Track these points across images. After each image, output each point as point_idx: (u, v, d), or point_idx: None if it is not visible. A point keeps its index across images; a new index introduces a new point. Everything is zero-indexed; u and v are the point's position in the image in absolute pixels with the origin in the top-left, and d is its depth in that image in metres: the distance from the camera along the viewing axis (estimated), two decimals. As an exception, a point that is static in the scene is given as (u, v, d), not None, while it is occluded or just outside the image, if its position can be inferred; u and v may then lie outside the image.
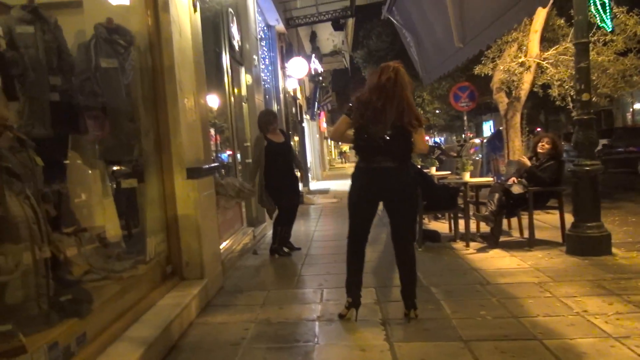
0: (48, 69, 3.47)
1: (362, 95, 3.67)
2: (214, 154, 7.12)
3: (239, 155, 7.75)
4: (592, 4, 5.32)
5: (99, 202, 4.15)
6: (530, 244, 5.73)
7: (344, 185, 18.51)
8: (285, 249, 6.25)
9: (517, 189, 5.75)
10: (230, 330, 3.68)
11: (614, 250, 5.25)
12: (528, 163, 5.99)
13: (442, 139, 49.67)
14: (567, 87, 8.66)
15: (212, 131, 7.00)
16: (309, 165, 18.33)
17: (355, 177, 3.78)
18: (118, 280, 3.50)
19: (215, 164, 5.51)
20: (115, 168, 4.24)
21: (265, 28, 11.45)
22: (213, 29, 6.95)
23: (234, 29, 7.60)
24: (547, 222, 7.07)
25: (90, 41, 3.83)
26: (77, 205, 3.85)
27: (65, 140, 3.76)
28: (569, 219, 5.56)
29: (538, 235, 6.01)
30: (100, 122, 4.03)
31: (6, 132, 2.66)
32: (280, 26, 12.08)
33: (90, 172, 4.11)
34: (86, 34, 3.86)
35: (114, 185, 4.23)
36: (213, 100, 7.21)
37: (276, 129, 6.14)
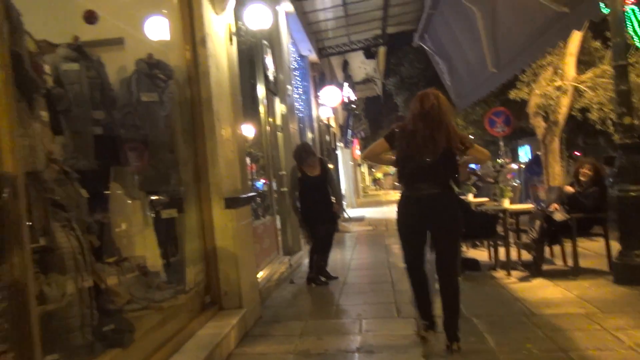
0: (92, 104, 3.61)
1: (406, 124, 3.69)
2: (250, 183, 7.20)
3: (274, 184, 7.81)
4: (629, 26, 5.21)
5: (140, 231, 4.23)
6: (575, 272, 5.53)
7: (379, 212, 18.48)
8: (323, 278, 6.20)
9: (559, 216, 5.60)
10: (269, 362, 3.65)
11: (665, 278, 5.02)
12: (571, 190, 5.82)
13: (478, 165, 49.02)
14: (606, 110, 8.46)
15: (248, 160, 7.09)
16: (343, 192, 18.30)
17: (401, 205, 3.77)
18: (158, 310, 3.53)
19: (253, 194, 5.56)
20: (154, 198, 4.32)
21: (298, 58, 11.63)
22: (248, 60, 7.10)
23: (269, 60, 7.75)
24: (591, 249, 6.83)
25: (132, 76, 3.97)
26: (118, 235, 3.93)
27: (107, 171, 3.88)
28: (615, 246, 5.35)
29: (583, 263, 5.81)
30: (139, 153, 4.13)
31: (52, 165, 2.75)
32: (313, 56, 12.26)
33: (130, 202, 4.20)
34: (127, 69, 4.00)
35: (154, 215, 4.31)
36: (249, 130, 7.32)
37: (311, 163, 6.17)
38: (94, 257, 2.88)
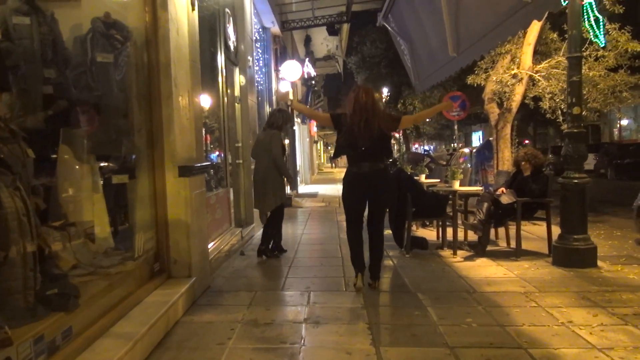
0: (42, 61, 3.45)
1: (351, 116, 4.56)
2: (205, 154, 7.10)
3: (229, 157, 7.74)
4: (586, 19, 5.38)
5: (88, 197, 4.12)
6: (517, 254, 5.78)
7: (333, 189, 18.66)
8: (275, 252, 6.24)
9: (506, 199, 5.81)
10: (217, 330, 3.67)
11: (599, 263, 5.31)
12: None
13: (432, 147, 49.93)
14: (557, 100, 8.76)
15: (203, 131, 6.98)
16: (298, 168, 18.33)
17: (348, 178, 4.72)
18: (105, 276, 3.48)
19: (207, 163, 5.49)
20: (105, 164, 4.22)
21: (260, 30, 11.46)
22: (209, 28, 6.95)
23: (230, 29, 7.60)
24: (534, 233, 7.13)
25: (87, 35, 3.81)
26: (65, 199, 3.82)
27: (56, 133, 3.74)
28: (556, 230, 5.61)
29: (525, 245, 6.07)
30: (90, 116, 4.00)
31: (-2, 123, 2.64)
32: (275, 28, 12.11)
33: (80, 166, 4.08)
34: (83, 27, 3.84)
35: (104, 181, 4.21)
36: (206, 100, 7.19)
37: (287, 131, 6.23)
38: (40, 221, 2.80)
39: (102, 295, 3.31)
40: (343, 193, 4.81)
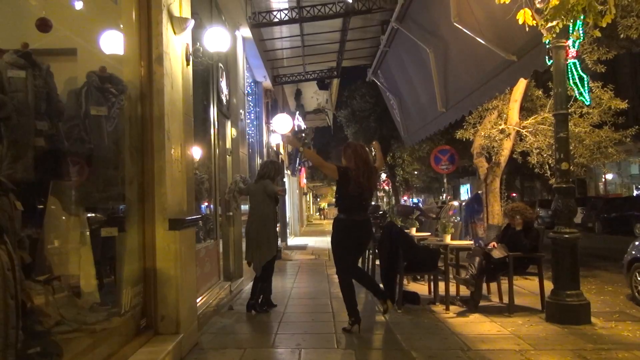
0: (36, 113, 3.46)
1: (355, 170, 5.03)
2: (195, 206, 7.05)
3: (219, 208, 7.68)
4: (570, 78, 5.54)
5: (75, 249, 4.04)
6: (510, 309, 5.70)
7: (322, 242, 18.47)
8: (265, 307, 6.11)
9: (497, 253, 5.79)
10: (204, 391, 3.53)
11: (593, 319, 5.25)
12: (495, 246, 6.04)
13: (421, 200, 50.15)
14: (545, 155, 8.90)
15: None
16: (287, 220, 18.24)
17: (342, 226, 5.12)
18: (90, 333, 3.37)
19: (198, 216, 5.44)
20: (93, 215, 4.16)
21: (252, 84, 11.66)
22: (203, 82, 7.05)
23: (223, 83, 7.72)
24: (526, 288, 7.07)
25: (82, 88, 3.84)
26: (51, 251, 3.74)
27: (46, 185, 3.70)
28: (548, 285, 5.57)
29: (517, 301, 6.00)
30: (80, 167, 3.98)
31: (-14, 175, 2.61)
32: (267, 82, 12.34)
33: (67, 218, 4.02)
34: (78, 81, 3.87)
35: (91, 233, 4.14)
36: (197, 152, 7.20)
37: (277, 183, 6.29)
38: (24, 274, 2.72)
39: (86, 354, 3.19)
40: (339, 240, 5.13)
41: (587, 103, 7.16)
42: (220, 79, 7.55)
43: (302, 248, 15.74)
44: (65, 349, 2.92)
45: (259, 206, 6.05)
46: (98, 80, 3.91)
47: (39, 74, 3.52)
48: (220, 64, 7.57)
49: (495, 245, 5.97)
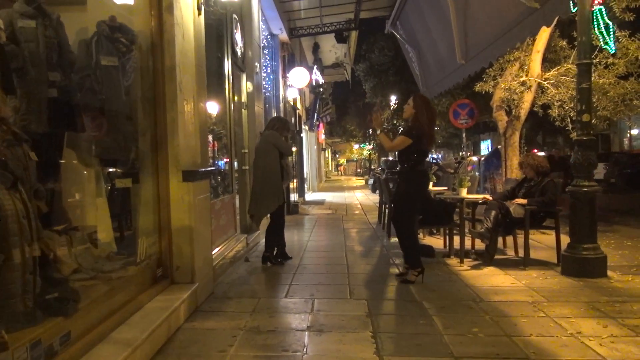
0: (47, 64, 3.44)
1: (428, 125, 5.13)
2: (211, 160, 7.08)
3: (235, 163, 7.71)
4: (595, 26, 5.32)
5: (92, 201, 4.11)
6: (525, 263, 5.69)
7: (340, 197, 18.58)
8: (279, 259, 6.19)
9: (518, 211, 5.74)
10: (218, 337, 3.62)
11: (609, 273, 5.21)
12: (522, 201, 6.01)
13: (440, 155, 49.75)
14: (567, 108, 8.66)
15: (210, 137, 6.96)
16: (305, 176, 18.30)
17: (422, 180, 5.31)
18: (107, 281, 3.45)
19: (212, 168, 5.46)
20: (110, 169, 4.20)
21: (268, 36, 11.48)
22: (216, 34, 6.95)
23: (238, 35, 7.61)
24: (543, 242, 7.04)
25: (92, 38, 3.81)
26: (70, 203, 3.80)
27: (61, 137, 3.72)
28: (565, 239, 5.52)
29: (533, 254, 5.99)
30: (98, 122, 3.99)
31: (1, 126, 2.62)
32: (283, 35, 12.12)
33: (85, 171, 4.07)
34: (88, 31, 3.83)
35: (108, 186, 4.19)
36: (212, 106, 7.18)
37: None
38: (43, 225, 2.78)
39: (102, 300, 3.27)
40: (413, 192, 5.16)
41: (612, 52, 6.88)
42: (235, 31, 7.43)
43: (320, 203, 15.84)
44: (82, 295, 2.99)
45: (261, 158, 5.98)
46: (108, 30, 3.87)
47: (50, 23, 3.48)
48: (235, 15, 7.44)
49: (520, 201, 5.91)
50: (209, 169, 5.02)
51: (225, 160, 7.94)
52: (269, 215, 6.10)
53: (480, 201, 6.51)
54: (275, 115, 10.82)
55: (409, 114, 5.23)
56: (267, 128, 6.26)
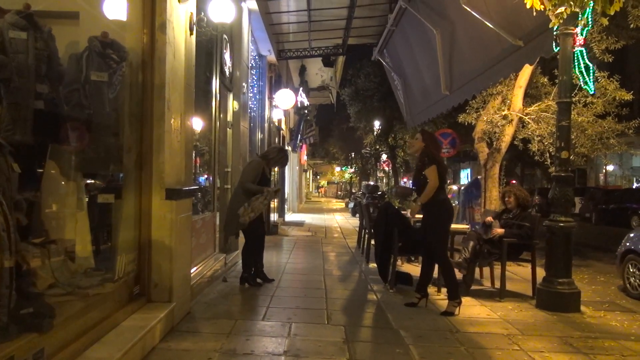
0: (36, 76, 3.43)
1: (437, 157, 5.27)
2: (194, 177, 7.06)
3: (217, 181, 7.70)
4: (576, 66, 5.49)
5: (72, 214, 4.06)
6: (501, 294, 5.75)
7: (319, 219, 18.53)
8: (258, 280, 6.16)
9: (496, 229, 5.88)
10: (193, 359, 3.58)
11: (582, 308, 5.30)
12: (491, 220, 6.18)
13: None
14: (546, 143, 8.87)
15: (193, 154, 6.96)
16: (286, 196, 18.28)
17: (447, 209, 5.27)
18: (83, 297, 3.40)
19: (195, 187, 5.45)
20: (91, 181, 4.17)
21: (257, 57, 11.57)
22: (206, 53, 6.99)
23: (227, 55, 7.66)
24: (519, 274, 7.13)
25: (83, 53, 3.81)
26: (49, 216, 3.76)
27: (44, 149, 3.70)
28: (540, 272, 5.61)
29: (509, 286, 6.06)
30: (81, 133, 3.97)
31: (-16, 135, 2.61)
32: (271, 57, 12.23)
33: (65, 183, 4.03)
34: (80, 45, 3.84)
35: (89, 199, 4.15)
36: (198, 123, 7.18)
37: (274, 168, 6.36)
38: (20, 237, 2.74)
39: (78, 317, 3.22)
40: (444, 222, 5.22)
41: (592, 92, 7.10)
42: (224, 51, 7.49)
43: (300, 225, 15.83)
44: (58, 311, 2.95)
45: (238, 182, 6.18)
46: (100, 46, 3.88)
47: (40, 36, 3.48)
48: (225, 36, 7.50)
49: (491, 219, 6.06)
50: (193, 187, 5.00)
51: (206, 176, 7.92)
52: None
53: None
54: (261, 135, 10.87)
55: (417, 147, 5.31)
56: (263, 153, 6.43)
